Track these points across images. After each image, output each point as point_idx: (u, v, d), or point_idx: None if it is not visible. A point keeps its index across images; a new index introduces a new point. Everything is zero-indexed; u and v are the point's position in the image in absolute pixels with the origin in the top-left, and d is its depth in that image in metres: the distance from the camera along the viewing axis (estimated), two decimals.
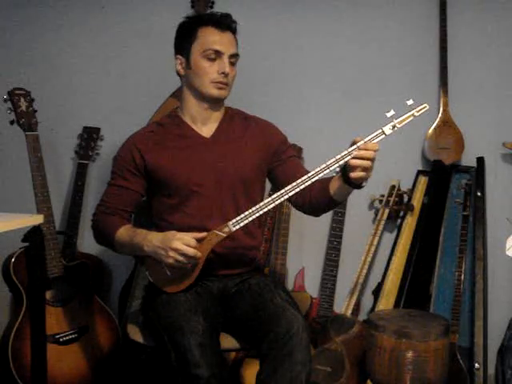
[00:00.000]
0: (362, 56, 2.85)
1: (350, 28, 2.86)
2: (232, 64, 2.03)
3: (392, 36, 2.83)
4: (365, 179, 1.84)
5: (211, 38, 2.00)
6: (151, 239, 1.90)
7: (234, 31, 2.05)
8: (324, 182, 1.96)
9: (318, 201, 2.01)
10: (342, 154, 1.80)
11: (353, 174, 1.80)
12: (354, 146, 1.79)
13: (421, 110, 1.81)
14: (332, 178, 1.94)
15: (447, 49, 2.75)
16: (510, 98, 2.77)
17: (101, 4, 2.94)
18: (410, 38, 2.82)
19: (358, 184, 1.86)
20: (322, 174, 1.83)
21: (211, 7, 2.73)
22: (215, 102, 2.07)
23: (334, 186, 1.93)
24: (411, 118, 1.81)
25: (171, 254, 1.85)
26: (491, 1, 2.76)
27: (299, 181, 1.84)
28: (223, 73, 1.99)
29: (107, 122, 2.92)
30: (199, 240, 1.88)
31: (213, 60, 2.00)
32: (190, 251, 1.84)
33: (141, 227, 2.00)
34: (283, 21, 2.88)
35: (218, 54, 2.00)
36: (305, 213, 2.13)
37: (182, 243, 1.84)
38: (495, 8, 2.76)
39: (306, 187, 1.86)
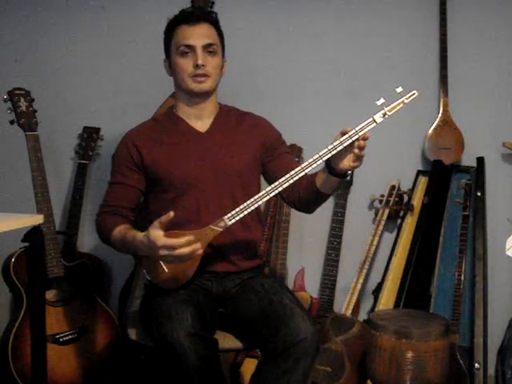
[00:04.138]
0: (361, 56, 2.85)
1: (350, 28, 2.86)
2: (210, 54, 2.03)
3: (392, 36, 2.83)
4: (356, 168, 1.87)
5: (181, 35, 2.03)
6: (139, 247, 1.86)
7: (210, 21, 2.05)
8: (310, 177, 1.97)
9: (307, 196, 2.03)
10: (334, 143, 1.80)
11: (352, 164, 1.82)
12: (346, 136, 1.79)
13: (410, 97, 1.81)
14: (317, 172, 1.95)
15: (447, 49, 2.75)
16: (510, 98, 2.77)
17: (101, 4, 2.94)
18: (410, 38, 2.82)
19: (343, 174, 1.88)
20: (315, 165, 1.82)
21: (211, 7, 2.73)
22: (202, 96, 2.07)
23: (319, 179, 1.94)
24: (401, 105, 1.80)
25: (164, 259, 1.84)
26: (491, 1, 2.76)
27: (292, 172, 1.84)
28: (197, 65, 2.00)
29: (107, 122, 2.92)
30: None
31: (187, 55, 2.02)
32: (183, 253, 1.78)
33: (140, 226, 2.00)
34: (283, 20, 2.88)
35: (190, 47, 2.01)
36: (297, 209, 2.14)
37: (165, 248, 1.78)
38: (495, 8, 2.76)
39: (296, 182, 1.87)
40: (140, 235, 1.85)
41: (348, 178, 1.91)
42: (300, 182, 1.95)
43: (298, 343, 1.82)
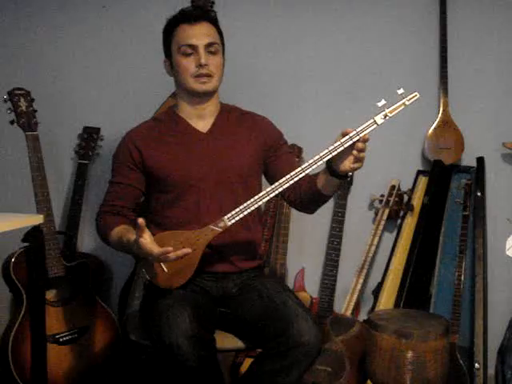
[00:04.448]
0: (361, 56, 2.85)
1: (351, 28, 2.86)
2: (212, 53, 2.02)
3: (392, 35, 2.83)
4: (356, 170, 1.85)
5: (182, 34, 2.01)
6: (134, 250, 1.87)
7: (210, 20, 2.05)
8: (311, 178, 1.96)
9: (308, 196, 2.02)
10: (335, 144, 1.78)
11: (352, 165, 1.80)
12: (347, 137, 1.77)
13: (411, 98, 1.79)
14: (319, 173, 1.94)
15: (447, 48, 2.75)
16: (510, 98, 2.77)
17: (101, 3, 2.94)
18: (410, 38, 2.82)
19: (345, 175, 1.86)
20: (315, 166, 1.81)
21: (211, 7, 2.73)
22: (204, 96, 2.06)
23: (321, 180, 1.93)
24: (402, 107, 1.78)
25: (157, 261, 1.85)
26: (491, 1, 2.76)
27: (293, 173, 1.83)
28: (200, 64, 1.99)
29: (107, 122, 2.92)
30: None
31: (189, 55, 2.01)
32: (168, 257, 1.80)
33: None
34: (283, 20, 2.88)
35: (193, 47, 2.00)
36: (298, 210, 2.13)
37: (154, 255, 1.80)
38: (495, 8, 2.76)
39: (297, 183, 1.86)
40: (132, 240, 1.86)
41: (348, 179, 1.89)
42: (301, 183, 1.94)
43: (300, 345, 1.81)
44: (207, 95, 2.06)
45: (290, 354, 1.83)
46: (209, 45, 2.01)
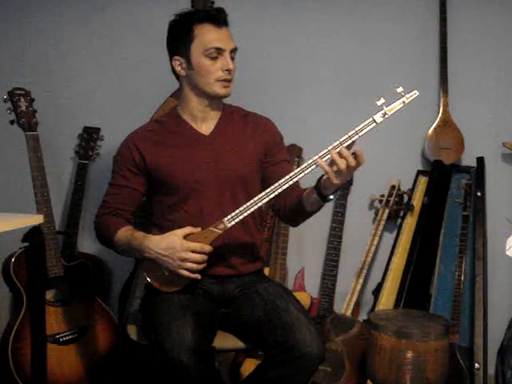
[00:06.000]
0: (361, 56, 2.85)
1: (350, 28, 2.86)
2: (232, 59, 2.02)
3: (392, 36, 2.83)
4: (334, 186, 1.79)
5: (210, 36, 1.97)
6: (152, 247, 1.88)
7: (228, 25, 2.03)
8: (300, 190, 1.95)
9: (291, 208, 1.99)
10: (334, 144, 1.76)
11: (333, 181, 1.76)
12: (346, 136, 1.76)
13: (411, 96, 1.77)
14: (308, 188, 1.91)
15: (447, 49, 2.75)
16: (510, 98, 2.77)
17: (101, 4, 2.94)
18: (410, 38, 2.83)
19: (324, 195, 1.82)
20: (314, 166, 1.79)
21: (211, 7, 2.73)
22: (219, 100, 2.06)
23: (306, 194, 1.90)
24: (401, 105, 1.76)
25: (179, 263, 1.86)
26: (491, 1, 2.76)
27: (292, 174, 1.82)
28: (228, 70, 1.98)
29: (107, 122, 2.92)
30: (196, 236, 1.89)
31: (215, 58, 1.98)
32: (199, 258, 1.86)
33: (141, 227, 1.99)
34: (283, 20, 2.88)
35: (220, 51, 1.98)
36: (282, 220, 2.11)
37: (190, 251, 1.85)
38: (495, 8, 2.76)
39: (285, 193, 1.86)
40: (152, 236, 1.91)
41: (331, 198, 1.86)
42: (289, 194, 1.93)
43: (303, 356, 1.80)
44: (221, 99, 2.07)
45: (293, 363, 1.81)
46: (233, 50, 2.01)
